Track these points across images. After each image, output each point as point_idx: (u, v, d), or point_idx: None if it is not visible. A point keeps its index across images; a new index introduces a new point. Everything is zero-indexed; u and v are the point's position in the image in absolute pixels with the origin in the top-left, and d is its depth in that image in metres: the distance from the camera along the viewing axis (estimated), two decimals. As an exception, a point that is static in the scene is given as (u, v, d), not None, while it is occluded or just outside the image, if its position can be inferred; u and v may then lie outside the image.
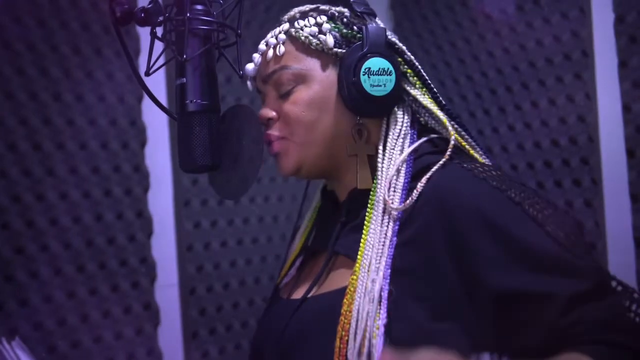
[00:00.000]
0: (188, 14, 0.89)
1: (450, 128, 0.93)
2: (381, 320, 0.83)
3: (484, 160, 0.97)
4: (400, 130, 0.94)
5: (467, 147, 0.96)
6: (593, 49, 1.75)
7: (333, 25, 0.96)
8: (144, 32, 1.77)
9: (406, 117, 0.95)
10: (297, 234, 1.14)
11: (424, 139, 0.95)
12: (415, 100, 0.96)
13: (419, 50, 2.20)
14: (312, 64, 0.96)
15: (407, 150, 0.93)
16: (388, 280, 0.85)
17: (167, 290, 1.85)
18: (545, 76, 1.85)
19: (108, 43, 1.78)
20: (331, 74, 0.96)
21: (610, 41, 1.69)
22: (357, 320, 0.84)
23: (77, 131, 1.73)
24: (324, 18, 0.97)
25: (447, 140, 0.93)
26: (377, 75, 0.92)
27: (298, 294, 0.99)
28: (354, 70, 0.92)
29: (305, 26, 0.96)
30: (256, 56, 1.01)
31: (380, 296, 0.84)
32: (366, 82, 0.91)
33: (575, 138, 1.78)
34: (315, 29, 0.96)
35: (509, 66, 1.94)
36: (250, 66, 1.02)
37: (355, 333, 0.83)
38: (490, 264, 0.83)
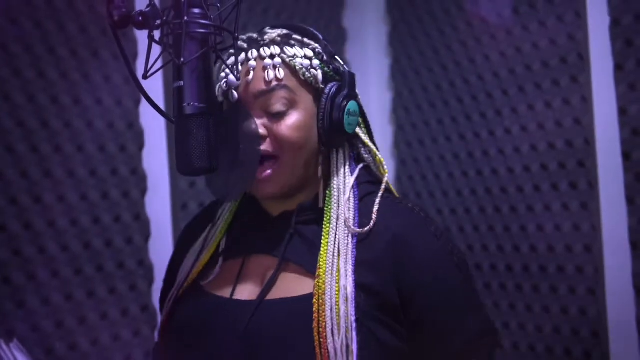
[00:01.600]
0: (186, 18, 0.89)
1: (385, 167, 1.12)
2: (353, 316, 0.96)
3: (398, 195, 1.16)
4: (345, 158, 1.09)
5: (389, 183, 1.14)
6: (589, 52, 1.75)
7: (318, 62, 1.05)
8: (141, 35, 1.78)
9: (349, 148, 1.11)
10: (210, 232, 1.14)
11: (361, 165, 1.10)
12: (358, 136, 1.11)
13: (415, 53, 2.20)
14: (301, 92, 1.04)
15: (355, 174, 1.08)
16: (354, 285, 0.97)
17: (164, 293, 1.85)
18: (542, 79, 1.86)
19: (105, 45, 1.78)
20: (313, 105, 1.05)
21: (606, 44, 1.70)
22: (331, 319, 0.95)
23: (75, 134, 1.73)
24: (311, 53, 1.05)
25: (374, 170, 1.12)
26: (351, 115, 1.05)
27: (246, 295, 1.03)
28: (339, 109, 1.04)
29: (296, 56, 1.03)
30: (240, 68, 1.02)
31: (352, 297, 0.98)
32: (345, 120, 1.04)
33: (571, 141, 1.79)
34: (307, 62, 1.04)
35: (505, 69, 1.95)
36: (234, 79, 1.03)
37: (332, 329, 0.95)
38: (429, 300, 1.01)
